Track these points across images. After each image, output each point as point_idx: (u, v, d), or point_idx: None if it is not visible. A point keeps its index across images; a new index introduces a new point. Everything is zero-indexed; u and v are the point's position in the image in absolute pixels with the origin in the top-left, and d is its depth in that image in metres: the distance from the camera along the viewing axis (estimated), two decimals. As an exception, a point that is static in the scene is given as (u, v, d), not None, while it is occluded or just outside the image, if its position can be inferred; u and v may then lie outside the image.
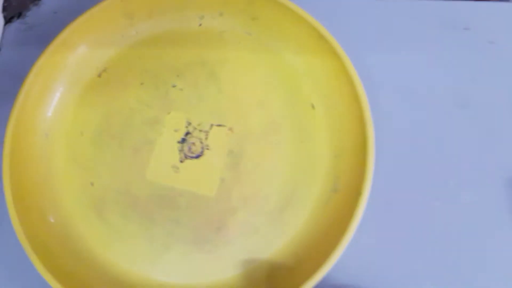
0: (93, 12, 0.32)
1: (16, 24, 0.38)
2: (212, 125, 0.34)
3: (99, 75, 0.35)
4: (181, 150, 0.33)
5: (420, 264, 0.31)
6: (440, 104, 0.34)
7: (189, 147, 0.33)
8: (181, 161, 0.33)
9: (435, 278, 0.31)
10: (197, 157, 0.33)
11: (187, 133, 0.34)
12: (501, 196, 0.32)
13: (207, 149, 0.33)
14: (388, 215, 0.32)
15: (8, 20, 0.38)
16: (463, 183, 0.32)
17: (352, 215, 0.29)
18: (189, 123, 0.34)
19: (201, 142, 0.33)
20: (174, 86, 0.35)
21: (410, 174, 0.33)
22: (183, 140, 0.34)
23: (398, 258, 0.31)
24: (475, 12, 0.36)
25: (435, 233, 0.32)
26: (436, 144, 0.33)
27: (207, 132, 0.34)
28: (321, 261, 0.29)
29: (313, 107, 0.34)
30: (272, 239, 0.32)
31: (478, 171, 0.32)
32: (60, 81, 0.34)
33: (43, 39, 0.33)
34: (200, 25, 0.36)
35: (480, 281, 0.31)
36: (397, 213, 0.32)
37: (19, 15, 0.38)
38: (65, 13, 0.35)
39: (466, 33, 0.35)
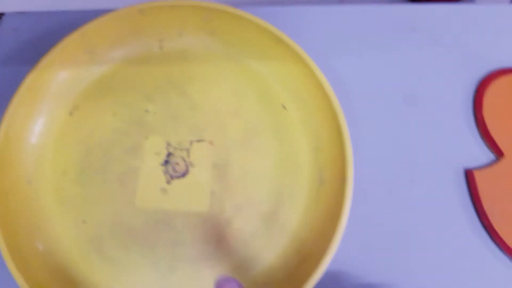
0: (56, 51, 0.33)
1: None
2: (192, 142, 0.34)
3: (71, 114, 0.35)
4: (166, 172, 0.34)
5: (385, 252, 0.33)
6: (391, 102, 0.36)
7: (174, 167, 0.34)
8: (168, 183, 0.34)
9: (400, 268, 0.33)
10: (183, 175, 0.34)
11: (169, 154, 0.34)
12: (451, 188, 0.33)
13: (192, 166, 0.34)
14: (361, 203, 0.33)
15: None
16: (416, 177, 0.34)
17: (342, 202, 0.30)
18: (169, 144, 0.34)
19: (184, 160, 0.34)
20: (147, 111, 0.35)
21: (370, 167, 0.34)
22: (166, 162, 0.34)
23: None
24: (421, 14, 0.38)
25: (392, 225, 0.33)
26: (392, 140, 0.35)
27: (188, 150, 0.34)
28: (323, 251, 0.30)
29: (284, 107, 0.35)
30: (272, 241, 0.33)
31: (430, 165, 0.34)
32: (34, 126, 0.34)
33: (4, 58, 0.33)
34: (161, 48, 0.36)
35: (433, 272, 0.32)
36: (365, 201, 0.34)
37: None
38: (25, 30, 0.36)
39: (414, 34, 0.38)
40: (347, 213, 0.30)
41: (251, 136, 0.34)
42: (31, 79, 0.32)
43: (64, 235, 0.33)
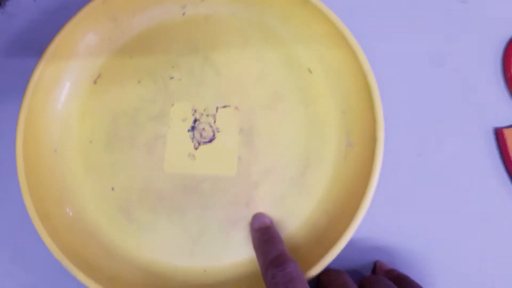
0: (78, 19, 0.32)
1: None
2: (217, 108, 0.34)
3: (95, 82, 0.35)
4: (193, 138, 0.34)
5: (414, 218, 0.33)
6: (418, 63, 0.35)
7: (200, 133, 0.34)
8: (196, 148, 0.34)
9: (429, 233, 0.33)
10: (210, 141, 0.34)
11: (195, 120, 0.34)
12: (481, 147, 0.33)
13: (218, 131, 0.34)
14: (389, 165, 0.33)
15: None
16: (445, 137, 0.34)
17: (372, 164, 0.30)
18: (195, 110, 0.34)
19: (211, 126, 0.34)
20: (171, 78, 0.35)
21: (398, 131, 0.34)
22: (192, 128, 0.34)
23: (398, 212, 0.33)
24: None
25: (422, 187, 0.33)
26: (420, 102, 0.35)
27: (214, 116, 0.34)
28: (352, 214, 0.30)
29: (310, 71, 0.35)
30: (301, 204, 0.33)
31: (458, 125, 0.34)
32: (58, 94, 0.34)
33: (24, 29, 0.34)
34: (184, 14, 0.36)
35: (464, 231, 0.32)
36: (394, 164, 0.34)
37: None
38: (45, 1, 0.35)
39: None
40: (378, 175, 0.30)
41: (276, 101, 0.34)
42: (55, 46, 0.32)
43: (93, 202, 0.33)
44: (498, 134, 0.33)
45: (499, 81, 0.34)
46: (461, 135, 0.33)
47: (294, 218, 0.33)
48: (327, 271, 0.30)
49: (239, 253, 0.32)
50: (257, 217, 0.32)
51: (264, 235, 0.29)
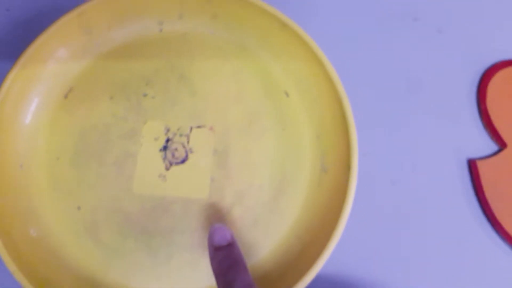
0: (51, 32, 0.31)
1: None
2: (191, 128, 0.33)
3: (66, 96, 0.34)
4: (165, 158, 0.33)
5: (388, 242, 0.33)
6: (395, 91, 0.35)
7: (173, 153, 0.33)
8: (167, 169, 0.33)
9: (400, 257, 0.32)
10: (183, 162, 0.33)
11: (168, 140, 0.33)
12: (454, 178, 0.33)
13: (191, 152, 0.33)
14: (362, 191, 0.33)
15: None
16: (419, 166, 0.34)
17: (346, 191, 0.30)
18: (168, 129, 0.33)
19: (184, 146, 0.33)
20: (145, 95, 0.34)
21: (373, 158, 0.34)
22: (165, 148, 0.33)
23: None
24: (424, 4, 0.38)
25: (395, 215, 0.33)
26: (395, 129, 0.35)
27: (188, 136, 0.33)
28: (325, 240, 0.29)
29: (287, 94, 0.34)
30: (273, 229, 0.32)
31: (433, 154, 0.34)
32: (26, 108, 0.33)
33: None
34: (161, 30, 0.35)
35: (434, 260, 0.32)
36: (367, 190, 0.33)
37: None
38: (17, 10, 0.34)
39: (416, 23, 0.37)
40: (351, 202, 0.30)
41: (252, 123, 0.34)
42: (27, 57, 0.31)
43: (58, 221, 0.32)
44: (471, 165, 0.33)
45: (474, 112, 0.34)
46: (435, 164, 0.33)
47: (266, 243, 0.32)
48: None
49: (209, 280, 0.31)
50: (216, 230, 0.28)
51: (227, 258, 0.26)
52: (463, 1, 0.38)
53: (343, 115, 0.31)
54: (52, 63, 0.33)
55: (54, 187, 0.32)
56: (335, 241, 0.29)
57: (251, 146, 0.33)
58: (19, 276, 0.28)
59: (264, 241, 0.32)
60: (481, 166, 0.32)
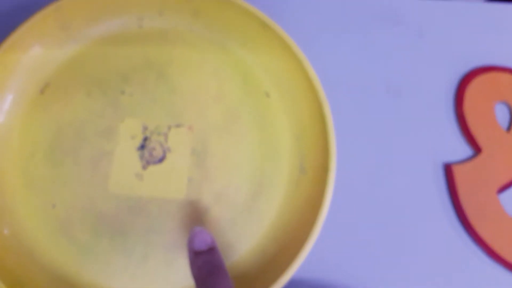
0: (27, 26, 0.31)
1: None
2: (170, 127, 0.33)
3: (42, 92, 0.33)
4: (142, 157, 0.32)
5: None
6: (375, 93, 0.36)
7: (150, 153, 0.33)
8: (144, 168, 0.32)
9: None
10: (160, 161, 0.33)
11: (145, 139, 0.33)
12: (430, 181, 0.34)
13: (169, 151, 0.33)
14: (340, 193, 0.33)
15: None
16: (396, 169, 0.34)
17: (323, 193, 0.30)
18: (146, 128, 0.33)
19: (162, 146, 0.33)
20: (123, 92, 0.33)
21: (351, 160, 0.34)
22: (142, 147, 0.33)
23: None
24: (406, 7, 0.38)
25: (371, 218, 0.33)
26: (373, 132, 0.35)
27: (166, 135, 0.33)
28: (302, 242, 0.29)
29: (267, 95, 0.34)
30: (250, 229, 0.32)
31: (410, 157, 0.34)
32: (1, 105, 0.32)
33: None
34: (141, 27, 0.35)
35: (408, 264, 0.32)
36: (344, 192, 0.33)
37: None
38: None
39: (399, 27, 0.37)
40: (328, 204, 0.30)
41: (231, 122, 0.33)
42: (1, 52, 0.30)
43: (32, 219, 0.31)
44: (447, 169, 0.33)
45: (451, 116, 0.35)
46: (412, 168, 0.34)
47: (243, 243, 0.32)
48: None
49: (184, 281, 0.31)
50: (196, 234, 0.27)
51: (207, 264, 0.26)
52: (445, 6, 0.38)
53: (322, 117, 0.31)
54: (27, 58, 0.32)
55: (28, 184, 0.31)
56: (311, 243, 0.29)
57: (230, 146, 0.33)
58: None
59: (241, 241, 0.32)
60: (457, 171, 0.33)
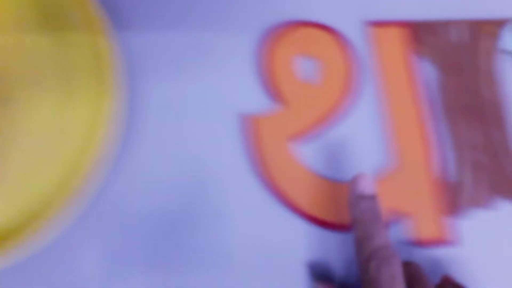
0: None
1: None
2: None
3: None
4: None
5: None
6: (183, 56, 0.34)
7: None
8: None
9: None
10: None
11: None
12: (229, 133, 0.32)
13: None
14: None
15: None
16: (195, 123, 0.32)
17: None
18: None
19: None
20: None
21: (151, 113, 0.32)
22: None
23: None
24: None
25: (168, 173, 0.31)
26: (172, 84, 0.33)
27: None
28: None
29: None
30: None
31: (212, 109, 0.33)
32: None
33: None
34: None
35: (208, 215, 0.31)
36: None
37: None
38: None
39: None
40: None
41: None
42: None
43: None
44: (249, 121, 0.32)
45: (253, 69, 0.33)
46: (214, 120, 0.32)
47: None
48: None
49: None
50: (363, 178, 0.27)
51: (371, 210, 0.26)
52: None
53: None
54: None
55: None
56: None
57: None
58: None
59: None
60: (256, 122, 0.31)
